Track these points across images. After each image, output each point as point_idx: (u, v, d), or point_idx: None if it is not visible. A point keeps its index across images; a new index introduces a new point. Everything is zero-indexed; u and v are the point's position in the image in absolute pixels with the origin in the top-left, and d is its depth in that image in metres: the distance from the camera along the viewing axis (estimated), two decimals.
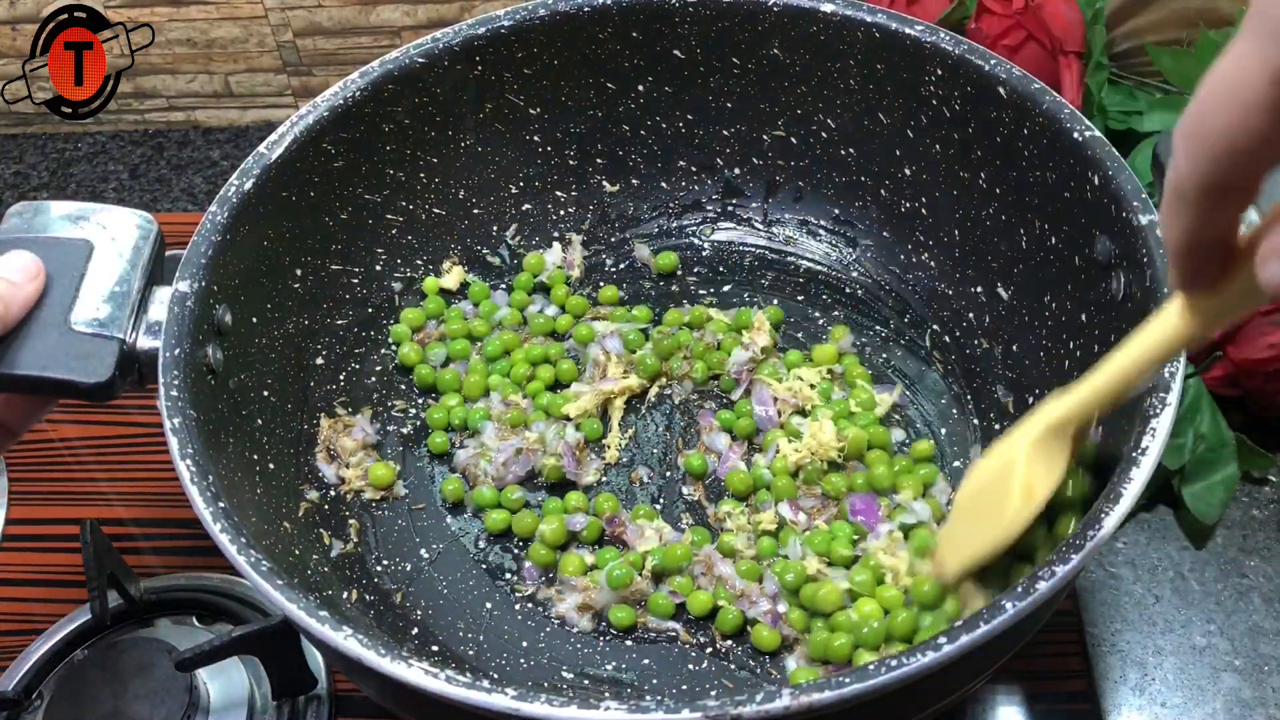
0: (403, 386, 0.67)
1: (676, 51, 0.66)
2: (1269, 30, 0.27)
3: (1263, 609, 0.63)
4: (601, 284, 0.71)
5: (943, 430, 0.63)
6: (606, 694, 0.55)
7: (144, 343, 0.52)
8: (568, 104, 0.68)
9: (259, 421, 0.58)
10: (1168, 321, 0.39)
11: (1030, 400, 0.60)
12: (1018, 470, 0.47)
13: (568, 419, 0.64)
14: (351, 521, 0.61)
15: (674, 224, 0.72)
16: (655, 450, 0.64)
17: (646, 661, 0.56)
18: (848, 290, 0.69)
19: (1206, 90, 0.29)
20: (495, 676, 0.56)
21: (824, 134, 0.68)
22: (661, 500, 0.62)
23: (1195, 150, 0.30)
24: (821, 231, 0.71)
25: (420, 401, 0.66)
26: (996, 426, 0.61)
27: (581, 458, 0.63)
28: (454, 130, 0.67)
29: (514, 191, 0.70)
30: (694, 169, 0.71)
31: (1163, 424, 0.45)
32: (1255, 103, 0.28)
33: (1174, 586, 0.64)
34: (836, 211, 0.70)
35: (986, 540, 0.48)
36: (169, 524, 0.70)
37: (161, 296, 0.53)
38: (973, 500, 0.50)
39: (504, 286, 0.71)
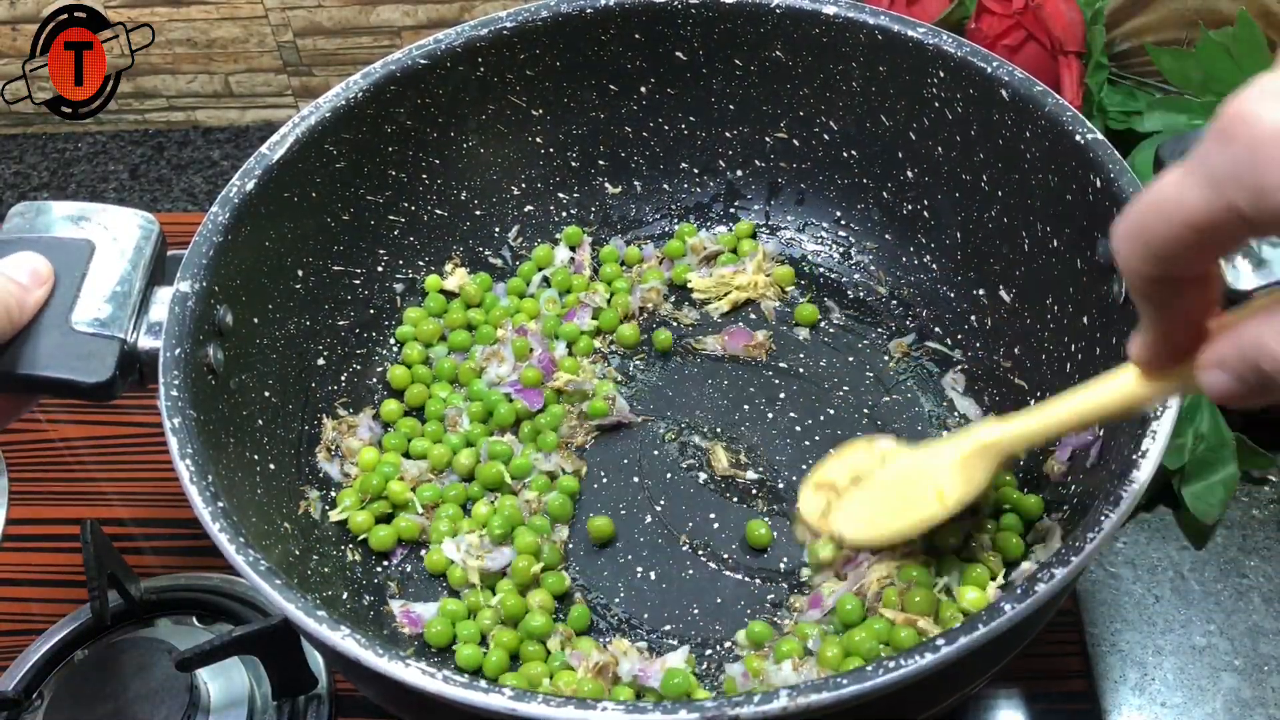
0: None
1: (679, 53, 0.66)
2: (1207, 173, 0.30)
3: (1263, 609, 0.63)
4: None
5: (943, 433, 0.63)
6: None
7: (145, 343, 0.52)
8: (570, 105, 0.68)
9: (259, 422, 0.58)
10: (1120, 384, 0.41)
11: (1032, 403, 0.60)
12: (940, 476, 0.50)
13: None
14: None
15: (676, 226, 0.72)
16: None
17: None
18: (849, 293, 0.69)
19: (1146, 204, 0.32)
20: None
21: (826, 136, 0.68)
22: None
23: (1136, 251, 0.32)
24: (823, 234, 0.71)
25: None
26: None
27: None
28: (456, 131, 0.67)
29: (516, 193, 0.70)
30: (696, 171, 0.71)
31: (1163, 427, 0.45)
32: (1187, 222, 0.30)
33: (1174, 586, 0.64)
34: (838, 214, 0.70)
35: (889, 527, 0.52)
36: (169, 524, 0.70)
37: (162, 296, 0.53)
38: (889, 484, 0.53)
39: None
